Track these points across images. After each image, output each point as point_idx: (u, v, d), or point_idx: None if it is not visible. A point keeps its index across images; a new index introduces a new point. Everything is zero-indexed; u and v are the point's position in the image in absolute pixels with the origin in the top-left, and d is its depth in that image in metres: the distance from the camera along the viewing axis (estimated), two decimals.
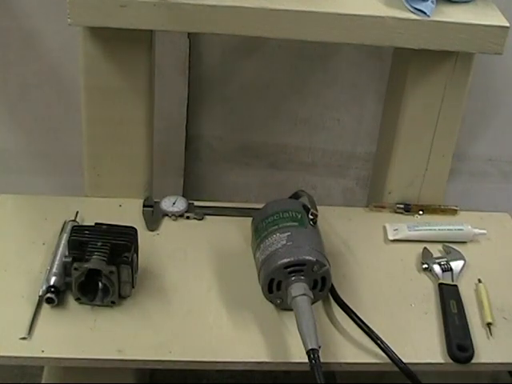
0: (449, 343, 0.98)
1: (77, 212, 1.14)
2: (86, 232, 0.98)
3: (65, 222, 1.11)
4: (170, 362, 0.94)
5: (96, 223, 1.00)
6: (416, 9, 1.00)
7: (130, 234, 0.99)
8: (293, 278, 0.97)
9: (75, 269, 0.95)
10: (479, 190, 1.63)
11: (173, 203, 1.18)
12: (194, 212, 1.18)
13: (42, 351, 0.92)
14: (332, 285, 1.02)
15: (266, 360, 0.94)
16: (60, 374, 1.10)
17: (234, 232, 1.15)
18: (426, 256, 1.13)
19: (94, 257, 0.95)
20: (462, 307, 1.03)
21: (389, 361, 0.94)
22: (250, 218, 1.10)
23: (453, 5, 1.04)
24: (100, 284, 0.96)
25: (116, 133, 1.15)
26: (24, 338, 0.92)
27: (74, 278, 0.95)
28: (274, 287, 0.98)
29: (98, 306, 0.98)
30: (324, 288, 1.00)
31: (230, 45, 1.42)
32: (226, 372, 1.39)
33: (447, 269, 1.10)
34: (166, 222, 1.16)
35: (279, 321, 1.00)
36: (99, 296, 0.97)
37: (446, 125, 1.18)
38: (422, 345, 0.99)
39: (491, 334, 1.01)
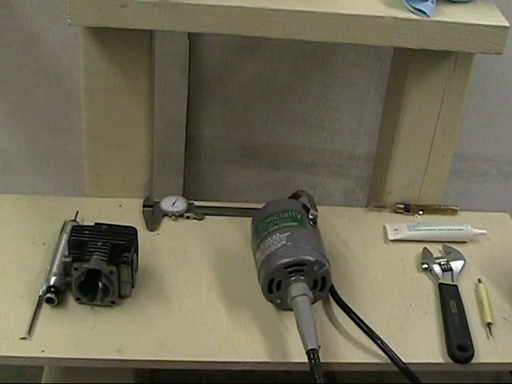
0: (449, 343, 0.98)
1: (77, 212, 1.14)
2: (86, 232, 0.98)
3: (65, 222, 1.11)
4: (169, 362, 0.93)
5: (96, 223, 1.00)
6: (416, 9, 1.00)
7: (130, 234, 0.99)
8: (293, 278, 0.97)
9: (75, 269, 0.95)
10: (479, 189, 1.62)
11: (173, 203, 1.18)
12: (193, 212, 1.18)
13: (42, 351, 0.92)
14: (332, 285, 1.02)
15: (266, 360, 0.94)
16: (60, 374, 1.10)
17: (234, 232, 1.15)
18: (426, 256, 1.13)
19: (94, 257, 0.95)
20: (462, 307, 1.03)
21: (389, 361, 0.94)
22: (250, 218, 1.10)
23: (453, 5, 1.04)
24: (100, 284, 0.96)
25: (116, 133, 1.15)
26: (24, 338, 0.92)
27: (74, 278, 0.95)
28: (274, 287, 0.98)
29: (98, 305, 0.98)
30: (324, 288, 1.00)
31: (230, 45, 1.42)
32: (226, 372, 1.39)
33: (447, 269, 1.10)
34: (166, 222, 1.16)
35: (279, 321, 1.00)
36: (99, 296, 0.97)
37: (445, 125, 1.18)
38: (422, 345, 0.99)
39: (491, 334, 1.01)
